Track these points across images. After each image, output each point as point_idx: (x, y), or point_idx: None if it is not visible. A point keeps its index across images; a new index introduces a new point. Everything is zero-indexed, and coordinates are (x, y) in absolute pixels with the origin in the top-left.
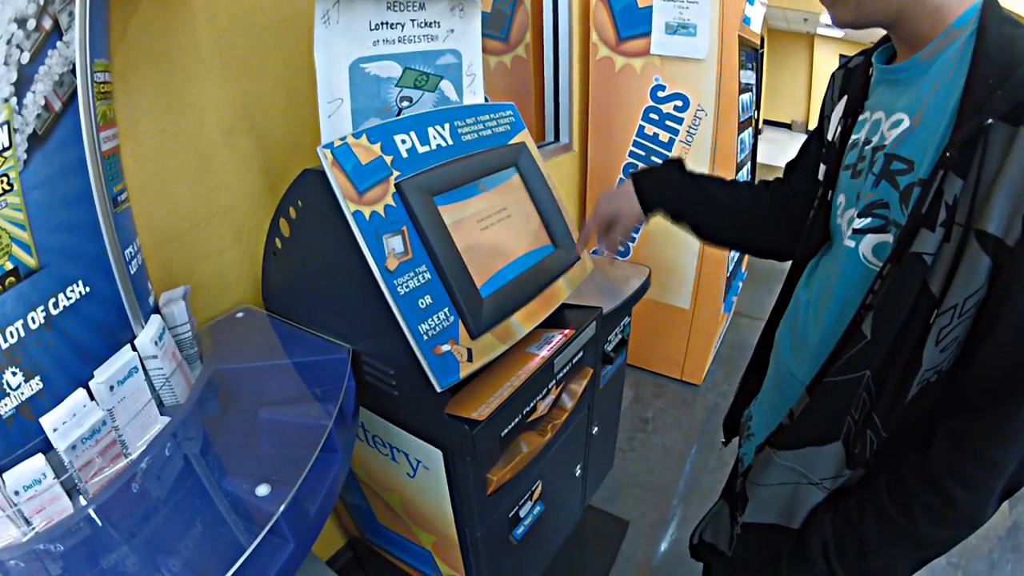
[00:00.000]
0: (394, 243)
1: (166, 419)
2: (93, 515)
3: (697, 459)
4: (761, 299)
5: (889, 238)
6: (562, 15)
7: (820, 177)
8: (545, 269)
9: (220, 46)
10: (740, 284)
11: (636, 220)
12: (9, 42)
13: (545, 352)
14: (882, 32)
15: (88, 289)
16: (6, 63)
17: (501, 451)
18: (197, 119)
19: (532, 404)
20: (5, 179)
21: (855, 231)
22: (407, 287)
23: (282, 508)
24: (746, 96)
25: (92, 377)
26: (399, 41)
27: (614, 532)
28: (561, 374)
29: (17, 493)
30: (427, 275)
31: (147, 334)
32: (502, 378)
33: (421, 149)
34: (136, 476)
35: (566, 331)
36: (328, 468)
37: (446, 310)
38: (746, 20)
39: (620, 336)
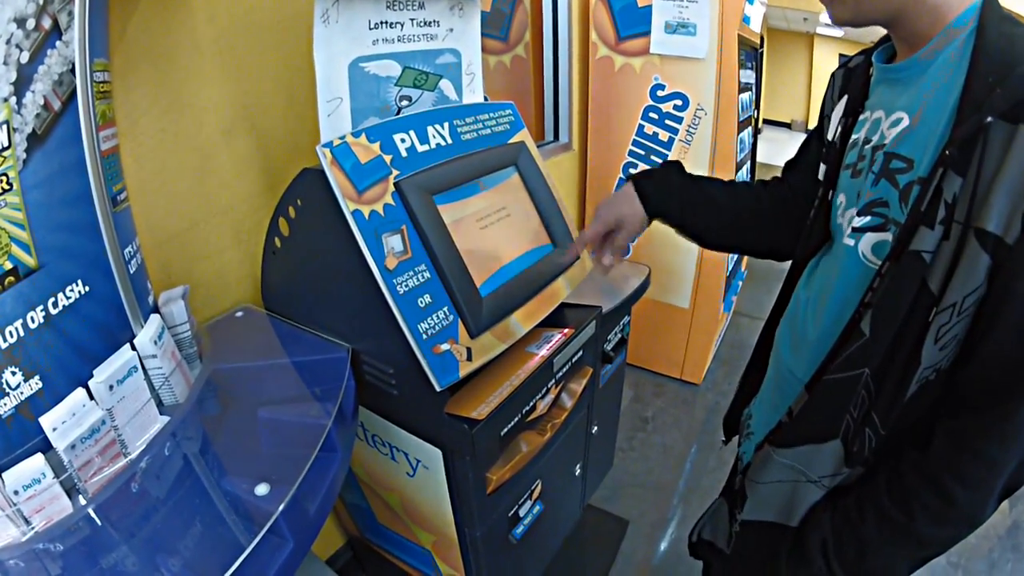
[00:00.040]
0: (393, 242)
1: (165, 418)
2: (92, 515)
3: (697, 458)
4: (761, 298)
5: (888, 236)
6: (561, 14)
7: (820, 177)
8: (544, 268)
9: (220, 46)
10: (740, 283)
11: (640, 226)
12: (8, 42)
13: (545, 351)
14: (882, 31)
15: (87, 289)
16: (5, 63)
17: (501, 450)
18: (197, 119)
19: (532, 403)
20: (4, 178)
21: (854, 229)
22: (406, 286)
23: (281, 507)
24: (746, 95)
25: (91, 377)
26: (398, 40)
27: (614, 531)
28: (561, 373)
29: (16, 493)
30: (426, 274)
31: (146, 334)
32: (502, 377)
33: (420, 148)
34: (135, 476)
35: (566, 330)
36: (327, 467)
37: (445, 309)
38: (746, 19)
39: (620, 335)
